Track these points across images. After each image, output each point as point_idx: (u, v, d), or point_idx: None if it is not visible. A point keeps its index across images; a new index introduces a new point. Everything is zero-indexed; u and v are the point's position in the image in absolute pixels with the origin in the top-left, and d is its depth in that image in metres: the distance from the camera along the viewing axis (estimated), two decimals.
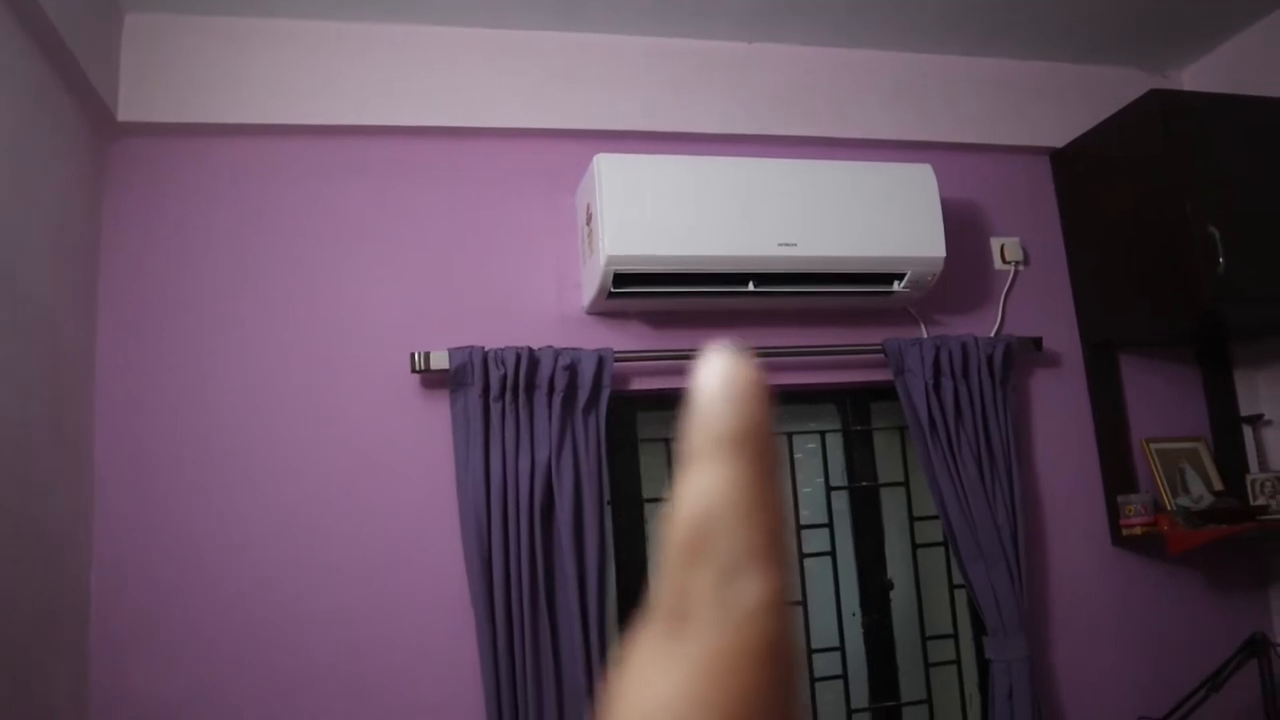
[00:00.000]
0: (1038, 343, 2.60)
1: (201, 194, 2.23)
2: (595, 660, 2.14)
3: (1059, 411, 2.67)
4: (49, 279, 1.87)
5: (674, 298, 2.33)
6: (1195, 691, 2.42)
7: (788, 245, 2.29)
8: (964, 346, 2.47)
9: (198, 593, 2.06)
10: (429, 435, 2.24)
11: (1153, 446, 2.68)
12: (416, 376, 2.25)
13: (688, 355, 2.39)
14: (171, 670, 2.02)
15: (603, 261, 2.20)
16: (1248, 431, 2.76)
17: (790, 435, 2.57)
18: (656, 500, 2.44)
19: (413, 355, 2.21)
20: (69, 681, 1.90)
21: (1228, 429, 2.76)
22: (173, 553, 2.06)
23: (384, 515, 2.20)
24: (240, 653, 2.06)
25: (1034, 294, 2.71)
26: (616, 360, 2.30)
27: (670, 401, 2.48)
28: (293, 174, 2.30)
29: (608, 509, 2.29)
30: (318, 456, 2.19)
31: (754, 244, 2.28)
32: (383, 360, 2.26)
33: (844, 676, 2.48)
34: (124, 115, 2.16)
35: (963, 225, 2.67)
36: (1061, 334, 2.70)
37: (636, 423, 2.47)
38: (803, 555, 2.50)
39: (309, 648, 2.10)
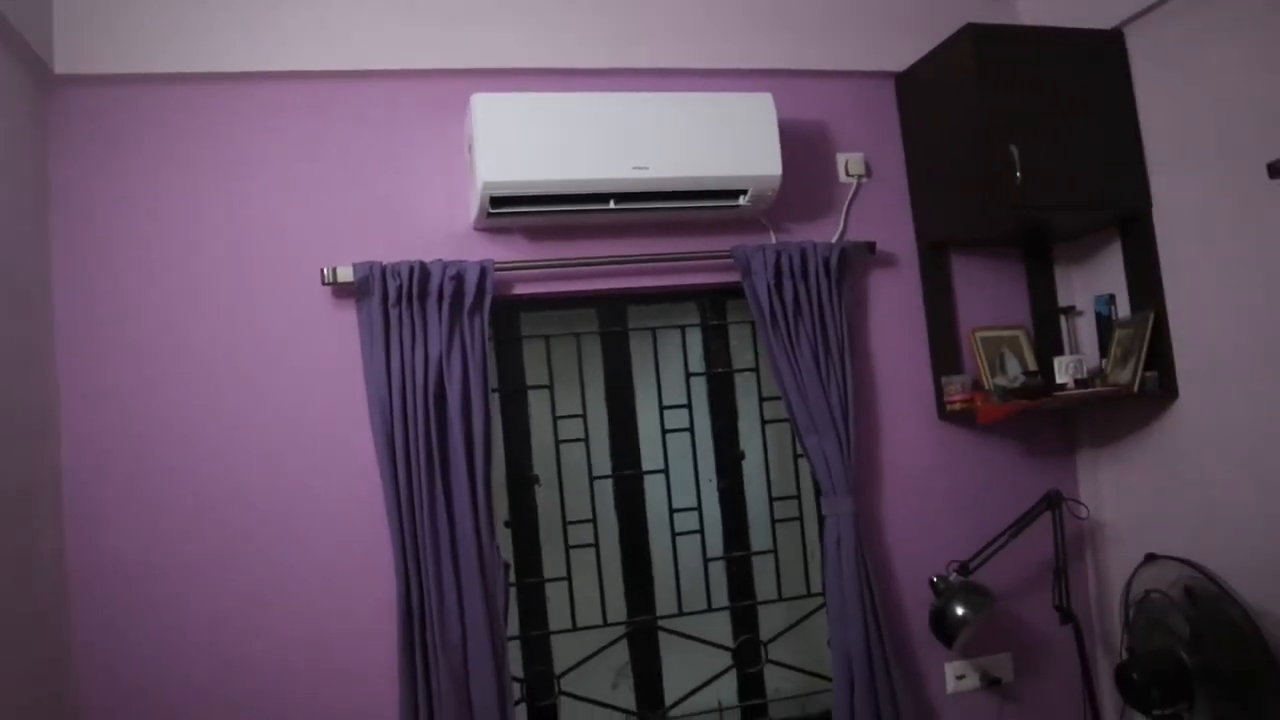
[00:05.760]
0: (871, 246, 3.00)
1: (135, 137, 2.58)
2: (482, 520, 2.59)
3: (895, 306, 3.08)
4: (4, 223, 2.24)
5: (545, 215, 2.71)
6: (998, 538, 2.90)
7: (641, 168, 2.66)
8: (803, 251, 2.86)
9: (153, 465, 2.50)
10: (341, 338, 2.65)
11: (978, 335, 3.10)
12: (328, 288, 2.65)
13: (562, 264, 2.79)
14: (132, 530, 2.47)
15: (480, 186, 2.58)
16: (1064, 321, 3.18)
17: (654, 330, 3.00)
18: (537, 387, 2.88)
19: (322, 270, 2.62)
20: (48, 546, 2.36)
21: (1047, 319, 3.18)
22: (129, 434, 2.50)
23: (306, 405, 2.62)
24: (191, 514, 2.51)
25: (875, 203, 3.09)
26: (498, 270, 2.70)
27: (548, 304, 2.89)
28: (217, 116, 2.64)
29: (493, 396, 2.72)
30: (248, 358, 2.60)
31: (612, 168, 2.64)
32: (300, 275, 2.65)
33: (701, 531, 2.96)
34: (60, 68, 2.52)
35: (810, 142, 3.04)
36: (900, 238, 3.10)
37: (520, 322, 2.88)
38: (665, 431, 2.96)
39: (250, 507, 2.56)
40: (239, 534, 2.55)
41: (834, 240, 2.99)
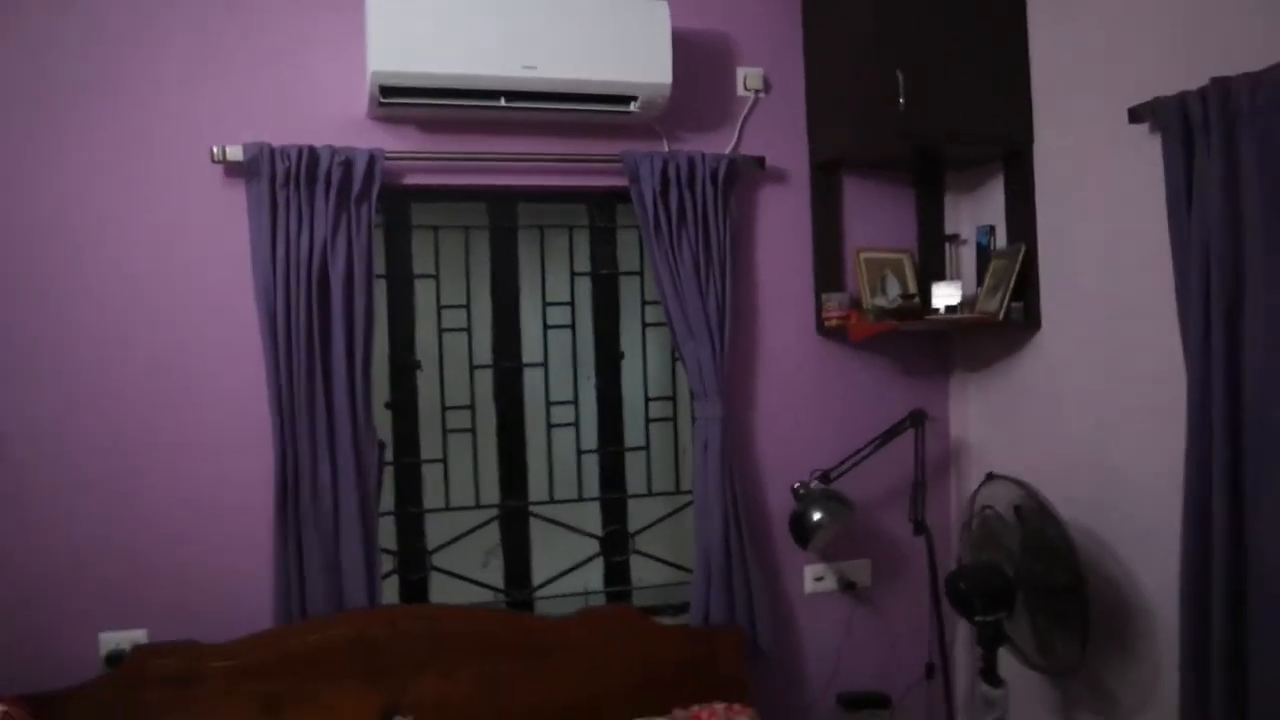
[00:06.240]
0: (761, 161, 3.06)
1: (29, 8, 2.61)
2: (359, 400, 2.70)
3: (785, 222, 3.17)
4: None
5: (437, 109, 2.77)
6: (861, 450, 3.04)
7: (530, 67, 2.71)
8: (691, 161, 2.93)
9: (54, 332, 2.59)
10: (231, 217, 2.71)
11: (863, 255, 3.20)
12: (219, 166, 2.71)
13: (453, 158, 2.86)
14: (28, 391, 2.58)
15: (369, 75, 2.64)
16: (949, 249, 3.27)
17: (543, 229, 3.08)
18: (424, 276, 2.97)
19: (211, 149, 2.67)
20: None
21: (933, 245, 3.28)
22: (18, 307, 2.58)
23: (196, 278, 2.70)
24: (85, 383, 2.62)
25: (772, 119, 3.15)
26: (389, 159, 2.76)
27: (439, 195, 2.96)
28: None
29: (377, 281, 2.81)
30: (140, 233, 2.66)
31: (502, 65, 2.68)
32: (195, 155, 2.69)
33: (576, 425, 3.09)
34: None
35: (711, 54, 3.08)
36: (794, 155, 3.16)
37: (410, 211, 2.96)
38: (547, 327, 3.07)
39: (138, 380, 2.65)
40: (128, 405, 2.65)
41: (725, 153, 3.05)
